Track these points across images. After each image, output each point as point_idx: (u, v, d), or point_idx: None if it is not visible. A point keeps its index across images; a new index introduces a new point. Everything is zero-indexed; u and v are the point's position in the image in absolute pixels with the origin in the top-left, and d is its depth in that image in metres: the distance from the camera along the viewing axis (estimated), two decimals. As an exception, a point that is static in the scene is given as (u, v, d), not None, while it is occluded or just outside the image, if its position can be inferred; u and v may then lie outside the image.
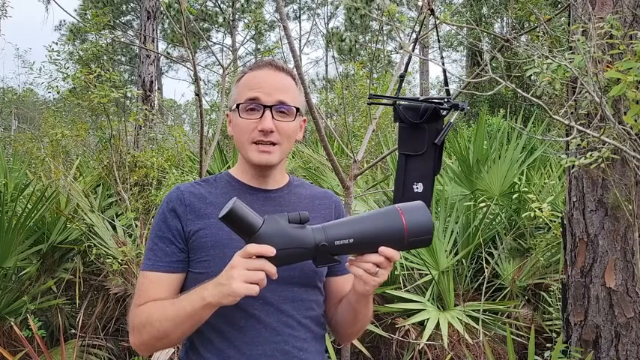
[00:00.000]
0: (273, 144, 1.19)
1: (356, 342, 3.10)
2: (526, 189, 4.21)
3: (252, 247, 1.00)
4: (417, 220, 1.05)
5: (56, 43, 4.84)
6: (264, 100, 1.19)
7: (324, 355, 1.27)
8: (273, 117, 1.18)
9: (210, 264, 1.13)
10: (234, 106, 1.22)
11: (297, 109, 1.23)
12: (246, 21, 21.23)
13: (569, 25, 2.78)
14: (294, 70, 1.32)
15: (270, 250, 0.99)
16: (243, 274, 0.99)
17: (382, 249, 1.04)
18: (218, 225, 1.17)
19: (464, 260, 3.81)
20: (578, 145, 2.38)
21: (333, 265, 1.05)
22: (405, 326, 3.34)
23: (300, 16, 27.59)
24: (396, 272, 3.50)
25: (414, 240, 1.05)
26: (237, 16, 22.49)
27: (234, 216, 1.00)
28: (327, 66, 27.63)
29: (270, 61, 1.25)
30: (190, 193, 1.22)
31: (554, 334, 3.29)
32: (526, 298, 3.85)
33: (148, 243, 1.21)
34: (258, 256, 1.00)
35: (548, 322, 3.50)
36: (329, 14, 27.66)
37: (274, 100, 1.19)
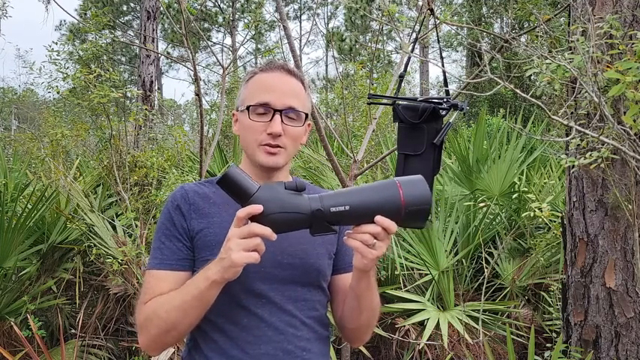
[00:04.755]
0: (280, 147, 1.21)
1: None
2: (526, 189, 4.21)
3: (240, 211, 1.01)
4: (414, 190, 1.05)
5: (56, 43, 4.82)
6: (274, 104, 1.20)
7: (328, 356, 1.26)
8: (282, 121, 1.20)
9: None
10: (244, 107, 1.23)
11: (306, 115, 1.25)
12: (246, 21, 21.23)
13: (568, 25, 2.78)
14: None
15: (257, 209, 1.00)
16: (239, 243, 1.00)
17: (378, 218, 1.03)
18: (222, 224, 1.18)
19: (464, 260, 3.81)
20: (578, 145, 2.37)
21: (329, 234, 1.04)
22: (405, 326, 3.34)
23: (300, 16, 27.60)
24: (396, 272, 3.50)
25: (411, 210, 1.04)
26: (237, 16, 22.50)
27: (230, 180, 1.02)
28: (327, 66, 27.66)
29: (283, 65, 1.26)
30: (195, 192, 1.23)
31: (554, 334, 3.29)
32: (526, 298, 3.85)
33: (154, 242, 1.22)
34: (253, 223, 1.01)
35: (548, 322, 3.49)
36: (329, 14, 27.69)
37: (284, 104, 1.21)
